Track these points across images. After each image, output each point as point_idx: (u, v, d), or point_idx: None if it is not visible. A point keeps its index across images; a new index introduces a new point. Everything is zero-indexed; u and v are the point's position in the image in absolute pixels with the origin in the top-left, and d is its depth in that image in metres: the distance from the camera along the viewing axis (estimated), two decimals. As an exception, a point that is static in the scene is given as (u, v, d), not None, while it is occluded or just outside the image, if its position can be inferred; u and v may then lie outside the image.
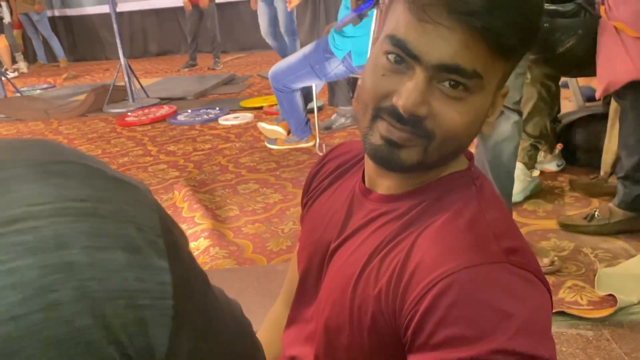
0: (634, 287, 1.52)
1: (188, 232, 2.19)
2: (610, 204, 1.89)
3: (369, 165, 0.69)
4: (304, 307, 0.79)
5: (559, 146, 2.30)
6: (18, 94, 5.41)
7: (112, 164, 3.23)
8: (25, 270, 0.31)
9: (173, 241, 0.38)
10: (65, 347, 0.32)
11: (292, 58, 2.79)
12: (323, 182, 0.82)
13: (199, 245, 2.08)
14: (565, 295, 1.55)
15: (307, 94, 3.02)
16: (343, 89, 3.43)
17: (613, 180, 2.07)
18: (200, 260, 1.97)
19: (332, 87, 3.49)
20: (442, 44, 0.55)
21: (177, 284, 0.36)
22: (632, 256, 1.72)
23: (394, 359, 0.60)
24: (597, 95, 1.70)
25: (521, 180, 2.14)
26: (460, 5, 0.54)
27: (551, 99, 2.23)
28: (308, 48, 2.71)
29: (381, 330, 0.61)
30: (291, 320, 0.83)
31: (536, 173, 2.30)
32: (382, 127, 0.60)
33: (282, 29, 4.26)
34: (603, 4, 1.58)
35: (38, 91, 6.00)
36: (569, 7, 1.67)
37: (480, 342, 0.51)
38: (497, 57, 0.57)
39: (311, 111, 3.17)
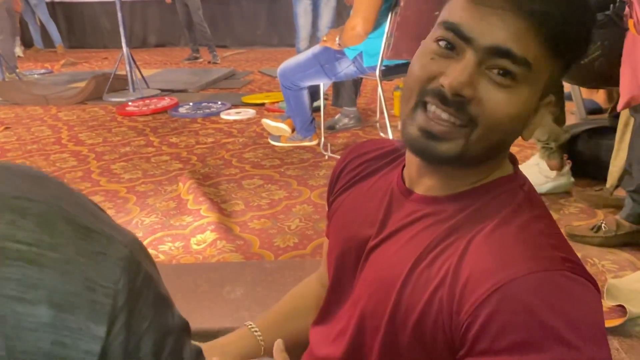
0: (641, 299, 1.54)
1: (194, 225, 2.18)
2: (617, 216, 1.91)
3: (410, 163, 0.69)
4: (336, 304, 0.78)
5: (568, 163, 2.32)
6: (17, 77, 5.35)
7: (114, 152, 3.21)
8: None
9: (134, 309, 0.33)
10: None
11: (301, 56, 2.79)
12: (351, 180, 0.81)
13: (206, 237, 2.07)
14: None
15: (313, 93, 3.02)
16: (348, 89, 3.44)
17: (619, 192, 2.10)
18: (207, 252, 1.97)
19: (337, 87, 3.49)
20: (497, 27, 0.56)
21: (113, 356, 0.31)
22: (639, 268, 1.74)
23: None
24: (619, 107, 1.70)
25: (535, 174, 2.20)
26: None
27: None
28: (318, 47, 2.71)
29: (427, 332, 0.60)
30: (321, 317, 0.82)
31: (561, 176, 2.31)
32: (421, 118, 0.60)
33: (324, 30, 3.85)
34: (632, 17, 1.59)
35: (36, 76, 5.94)
36: (598, 17, 1.67)
37: (547, 347, 0.51)
38: (549, 51, 0.57)
39: (317, 110, 3.17)
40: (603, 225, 1.89)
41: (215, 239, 2.05)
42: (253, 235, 2.10)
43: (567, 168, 2.30)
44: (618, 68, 1.63)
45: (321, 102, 3.03)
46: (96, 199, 2.53)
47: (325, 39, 2.61)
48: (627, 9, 1.61)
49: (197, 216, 2.25)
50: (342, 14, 4.31)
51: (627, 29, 1.61)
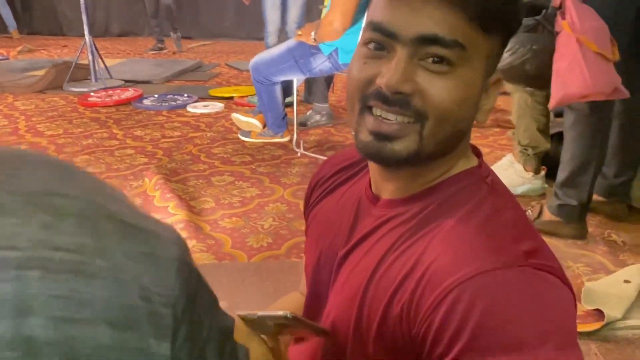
0: (616, 303, 1.55)
1: (162, 223, 2.09)
2: (545, 206, 1.98)
3: (373, 169, 0.67)
4: (314, 319, 0.75)
5: (544, 169, 2.34)
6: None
7: (76, 145, 3.07)
8: None
9: (193, 316, 0.29)
10: None
11: (275, 50, 2.72)
12: (325, 191, 0.79)
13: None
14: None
15: (286, 88, 2.96)
16: (320, 85, 3.39)
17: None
18: (176, 252, 1.88)
19: (309, 83, 3.44)
20: (419, 16, 0.54)
21: None
22: (611, 271, 1.76)
23: None
24: (551, 106, 1.74)
25: (512, 175, 2.26)
26: None
27: (535, 105, 2.26)
28: (293, 41, 2.65)
29: (389, 338, 0.58)
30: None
31: (536, 179, 2.33)
32: (370, 122, 0.58)
33: (292, 25, 3.83)
34: (565, 18, 1.62)
35: (-11, 62, 5.66)
36: (527, 22, 1.71)
37: (501, 351, 0.48)
38: (478, 29, 0.55)
39: (289, 105, 3.11)
40: (529, 211, 2.00)
41: (185, 238, 1.96)
42: (224, 234, 2.03)
43: (542, 173, 2.32)
44: (547, 70, 1.66)
45: (294, 98, 2.97)
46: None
47: (300, 33, 2.55)
48: (558, 14, 1.65)
49: (165, 214, 2.16)
50: (311, 8, 4.26)
51: (557, 33, 1.64)
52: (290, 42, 2.69)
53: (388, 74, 0.55)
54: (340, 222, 0.71)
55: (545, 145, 2.29)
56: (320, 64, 2.59)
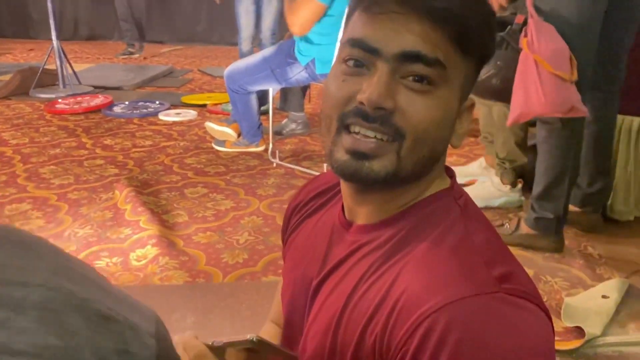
0: (595, 319, 1.55)
1: (133, 238, 2.02)
2: (522, 219, 1.99)
3: (345, 194, 0.65)
4: (292, 349, 0.73)
5: (520, 182, 2.36)
6: None
7: (43, 154, 2.97)
8: None
9: None
10: None
11: (251, 59, 2.68)
12: (302, 216, 0.77)
13: (147, 253, 1.92)
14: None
15: (261, 97, 2.91)
16: (296, 94, 3.35)
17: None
18: (149, 270, 1.82)
19: (284, 91, 3.39)
20: (402, 32, 0.54)
21: None
22: (589, 285, 1.76)
23: None
24: (508, 123, 1.76)
25: (489, 188, 2.29)
26: None
27: (521, 125, 2.28)
28: (269, 51, 2.61)
29: None
30: None
31: (513, 192, 2.34)
32: (347, 140, 0.56)
33: (266, 32, 3.83)
34: (526, 36, 1.65)
35: (-49, 66, 5.46)
36: None
37: None
38: (458, 49, 0.55)
39: (264, 114, 3.06)
40: (507, 224, 2.02)
41: (157, 255, 1.90)
42: (199, 250, 1.97)
43: (519, 186, 2.33)
44: (512, 85, 1.68)
45: (270, 107, 2.92)
46: (23, 207, 2.31)
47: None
48: (525, 29, 1.68)
49: (137, 228, 2.09)
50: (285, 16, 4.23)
51: (520, 49, 1.67)
52: (266, 52, 2.64)
53: (369, 89, 0.54)
54: (314, 249, 0.69)
55: (522, 159, 2.31)
56: (297, 74, 2.55)
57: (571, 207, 2.05)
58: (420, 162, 0.57)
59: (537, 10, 1.66)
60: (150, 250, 1.93)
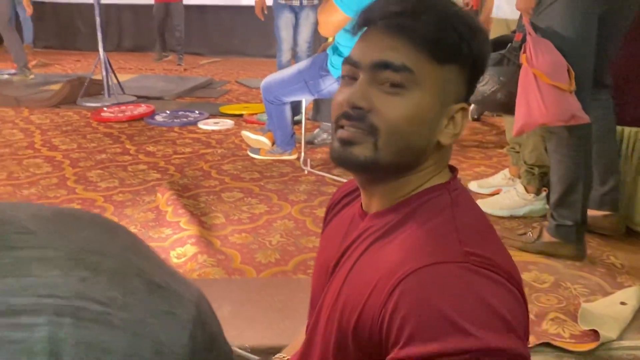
0: (612, 324, 1.60)
1: (174, 237, 2.17)
2: (545, 227, 2.06)
3: (361, 190, 0.76)
4: (311, 331, 0.82)
5: (545, 190, 2.41)
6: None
7: (90, 159, 3.16)
8: None
9: None
10: None
11: (286, 72, 2.81)
12: (333, 214, 0.89)
13: (186, 251, 2.06)
14: (549, 327, 1.62)
15: (294, 107, 3.05)
16: (328, 105, 3.47)
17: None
18: (188, 267, 1.96)
19: (317, 103, 3.52)
20: (375, 47, 0.67)
21: None
22: (609, 293, 1.81)
23: None
24: (514, 133, 1.86)
25: (514, 197, 2.32)
26: (381, 13, 0.67)
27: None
28: (304, 64, 2.74)
29: (366, 338, 0.63)
30: (303, 346, 0.84)
31: (537, 200, 2.39)
32: (338, 134, 0.69)
33: (303, 45, 3.97)
34: (525, 52, 1.76)
35: (5, 76, 5.79)
36: (494, 56, 1.84)
37: (443, 337, 0.53)
38: (428, 57, 0.65)
39: (297, 124, 3.19)
40: (530, 232, 2.08)
41: (196, 253, 2.04)
42: (234, 250, 2.10)
43: (543, 194, 2.38)
44: (514, 99, 1.78)
45: (302, 117, 3.05)
46: (74, 207, 2.49)
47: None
48: (522, 46, 1.79)
49: (177, 229, 2.23)
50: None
51: (520, 65, 1.77)
52: (301, 64, 2.78)
53: (350, 92, 0.68)
54: (335, 238, 0.80)
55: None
56: (329, 86, 2.68)
57: (591, 212, 2.10)
58: (399, 153, 0.67)
59: (534, 27, 1.79)
60: (190, 249, 2.07)
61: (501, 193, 2.48)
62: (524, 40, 1.79)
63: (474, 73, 0.70)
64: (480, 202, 2.39)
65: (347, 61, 0.70)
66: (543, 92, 1.71)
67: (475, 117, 4.11)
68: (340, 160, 0.69)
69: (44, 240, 0.32)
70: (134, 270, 0.33)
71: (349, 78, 0.70)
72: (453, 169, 0.75)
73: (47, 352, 0.28)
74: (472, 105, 4.16)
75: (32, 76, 5.66)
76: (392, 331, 0.58)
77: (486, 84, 1.82)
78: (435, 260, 0.59)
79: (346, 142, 0.67)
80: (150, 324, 0.31)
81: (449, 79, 0.68)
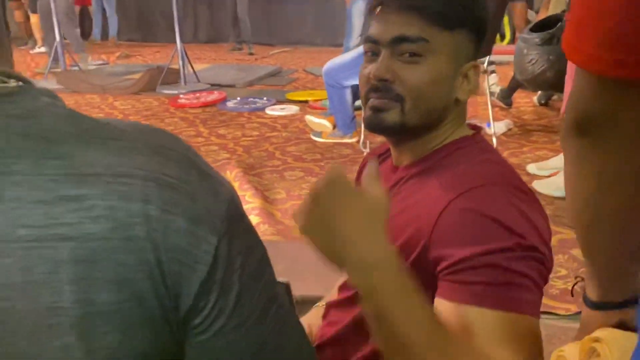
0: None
1: (239, 209, 2.36)
2: None
3: (391, 148, 0.86)
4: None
5: None
6: (76, 68, 5.67)
7: (167, 141, 3.43)
8: (118, 209, 0.42)
9: (232, 230, 0.47)
10: (129, 270, 0.42)
11: (347, 56, 2.94)
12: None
13: (251, 220, 2.24)
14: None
15: (355, 92, 3.17)
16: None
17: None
18: (251, 234, 2.14)
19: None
20: (392, 25, 0.76)
21: (219, 259, 0.45)
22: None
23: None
24: (562, 111, 1.89)
25: None
26: None
27: None
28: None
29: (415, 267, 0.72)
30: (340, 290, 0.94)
31: None
32: (369, 104, 0.78)
33: None
34: None
35: (92, 67, 6.27)
36: (544, 35, 1.86)
37: (492, 239, 0.64)
38: (439, 27, 0.74)
39: (358, 109, 3.31)
40: None
41: (259, 223, 2.22)
42: (293, 221, 2.26)
43: None
44: (564, 77, 1.79)
45: (363, 101, 3.16)
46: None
47: None
48: None
49: (243, 201, 2.41)
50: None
51: None
52: (361, 48, 2.88)
53: (374, 67, 0.76)
54: None
55: None
56: (388, 70, 2.77)
57: None
58: (424, 115, 0.77)
59: None
60: (253, 219, 2.25)
61: (559, 174, 2.49)
62: None
63: (479, 34, 0.80)
64: (537, 184, 2.42)
65: (368, 39, 0.79)
66: None
67: (543, 102, 4.06)
68: (373, 126, 0.78)
69: (132, 136, 0.48)
70: (191, 162, 0.49)
71: (371, 54, 0.79)
72: (476, 127, 0.85)
73: (141, 199, 0.43)
74: (540, 92, 4.12)
75: (90, 59, 6.11)
76: (447, 241, 0.66)
77: (535, 63, 1.87)
78: (484, 183, 0.69)
79: (377, 110, 0.76)
80: (202, 194, 0.47)
81: (460, 42, 0.77)
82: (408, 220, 0.73)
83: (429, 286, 0.66)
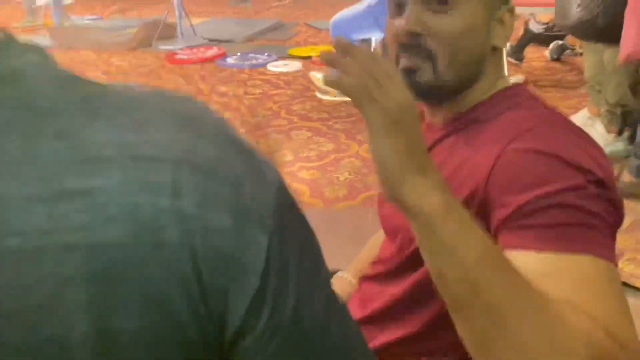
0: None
1: (245, 172, 2.25)
2: (625, 169, 1.99)
3: (428, 108, 0.77)
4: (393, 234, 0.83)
5: (628, 130, 2.28)
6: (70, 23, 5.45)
7: (166, 99, 3.29)
8: (142, 206, 0.32)
9: (284, 225, 0.37)
10: (159, 287, 0.32)
11: (356, 8, 2.77)
12: None
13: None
14: (624, 266, 1.58)
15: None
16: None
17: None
18: (259, 199, 2.04)
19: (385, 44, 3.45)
20: None
21: (271, 264, 0.35)
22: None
23: None
24: (620, 58, 1.71)
25: (592, 134, 2.20)
26: None
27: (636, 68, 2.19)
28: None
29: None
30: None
31: (618, 140, 2.29)
32: (401, 64, 0.69)
33: None
34: None
35: (86, 21, 6.03)
36: None
37: (555, 179, 0.57)
38: None
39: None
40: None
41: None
42: (303, 184, 2.15)
43: (625, 134, 2.26)
44: (618, 24, 1.63)
45: (372, 57, 3.01)
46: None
47: None
48: None
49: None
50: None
51: None
52: (371, 0, 2.72)
53: (403, 20, 0.68)
54: None
55: (635, 103, 2.22)
56: (400, 22, 2.61)
57: None
58: (462, 69, 0.69)
59: None
60: (260, 183, 2.15)
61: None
62: None
63: None
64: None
65: None
66: None
67: (555, 56, 3.90)
68: (411, 87, 0.70)
69: (154, 106, 0.36)
70: (229, 137, 0.38)
71: (395, 6, 0.71)
72: (521, 86, 0.76)
73: (171, 192, 0.33)
74: (551, 45, 3.94)
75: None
76: (510, 185, 0.60)
77: (585, 9, 1.69)
78: (537, 124, 0.63)
79: (409, 71, 0.69)
80: (248, 182, 0.36)
81: None
82: (460, 181, 0.66)
83: None
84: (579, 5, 1.68)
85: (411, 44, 0.68)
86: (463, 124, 0.71)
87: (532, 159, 0.60)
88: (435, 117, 0.76)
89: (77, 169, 0.32)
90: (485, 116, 0.70)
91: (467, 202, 0.63)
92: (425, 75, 0.68)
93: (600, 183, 0.58)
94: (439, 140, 0.73)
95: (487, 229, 0.60)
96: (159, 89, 0.40)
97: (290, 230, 0.38)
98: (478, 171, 0.63)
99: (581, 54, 3.71)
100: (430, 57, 0.68)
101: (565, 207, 0.56)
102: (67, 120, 0.33)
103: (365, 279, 0.87)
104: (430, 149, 0.73)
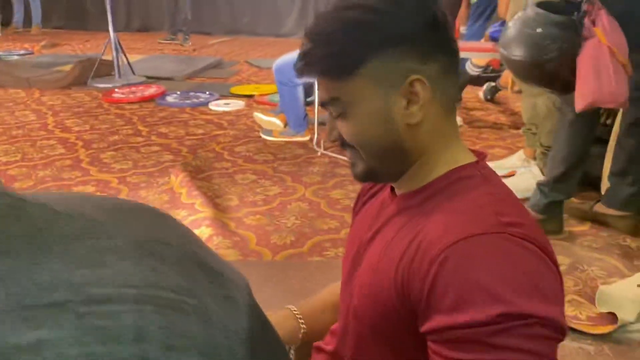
0: (630, 307, 1.60)
1: (189, 219, 2.18)
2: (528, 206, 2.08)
3: None
4: (346, 300, 0.85)
5: None
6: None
7: (103, 141, 3.17)
8: (100, 359, 0.29)
9: (253, 348, 0.35)
10: None
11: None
12: (366, 199, 0.92)
13: (202, 233, 2.07)
14: (566, 309, 1.62)
15: (307, 88, 3.03)
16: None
17: (599, 207, 2.16)
18: (204, 249, 1.97)
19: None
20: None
21: None
22: (626, 275, 1.81)
23: (418, 343, 0.65)
24: (578, 108, 1.75)
25: (529, 180, 2.31)
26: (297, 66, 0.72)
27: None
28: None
29: (401, 312, 0.67)
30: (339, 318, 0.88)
31: None
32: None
33: None
34: (595, 25, 1.67)
35: (15, 57, 5.79)
36: (561, 19, 1.72)
37: (481, 304, 0.56)
38: (338, 80, 0.69)
39: (310, 105, 3.18)
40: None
41: (212, 235, 2.05)
42: (249, 231, 2.11)
43: None
44: (566, 72, 1.70)
45: (315, 98, 3.03)
46: (88, 189, 2.51)
47: None
48: (589, 18, 1.69)
49: (192, 210, 2.24)
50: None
51: (585, 37, 1.68)
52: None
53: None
54: (368, 219, 0.83)
55: None
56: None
57: (613, 212, 2.10)
58: (381, 158, 0.73)
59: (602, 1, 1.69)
60: (205, 231, 2.08)
61: (516, 175, 2.47)
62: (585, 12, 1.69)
63: (416, 40, 0.69)
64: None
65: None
66: (617, 71, 1.65)
67: (489, 97, 4.07)
68: (355, 179, 0.78)
69: (112, 230, 0.33)
70: (193, 258, 0.35)
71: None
72: (480, 154, 0.76)
73: (133, 337, 0.29)
74: (485, 86, 4.12)
75: None
76: (433, 301, 0.60)
77: (541, 48, 1.71)
78: (475, 232, 0.61)
79: (351, 163, 0.76)
80: (215, 309, 0.33)
81: (373, 75, 0.69)
82: (401, 259, 0.68)
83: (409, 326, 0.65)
84: (544, 40, 1.71)
85: (343, 144, 0.74)
86: (416, 201, 0.72)
87: (459, 279, 0.59)
88: (397, 189, 0.78)
89: (22, 318, 0.28)
90: (441, 195, 0.70)
91: (404, 276, 0.65)
92: (359, 166, 0.74)
93: (519, 316, 0.56)
94: (392, 216, 0.76)
95: (415, 312, 0.64)
96: (109, 198, 0.37)
97: (260, 352, 0.36)
98: (418, 260, 0.64)
99: (518, 92, 3.89)
100: (354, 150, 0.73)
101: (477, 343, 0.56)
102: (13, 259, 0.29)
103: (318, 350, 0.89)
104: (384, 224, 0.76)
